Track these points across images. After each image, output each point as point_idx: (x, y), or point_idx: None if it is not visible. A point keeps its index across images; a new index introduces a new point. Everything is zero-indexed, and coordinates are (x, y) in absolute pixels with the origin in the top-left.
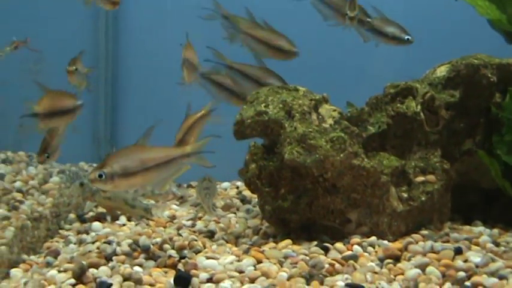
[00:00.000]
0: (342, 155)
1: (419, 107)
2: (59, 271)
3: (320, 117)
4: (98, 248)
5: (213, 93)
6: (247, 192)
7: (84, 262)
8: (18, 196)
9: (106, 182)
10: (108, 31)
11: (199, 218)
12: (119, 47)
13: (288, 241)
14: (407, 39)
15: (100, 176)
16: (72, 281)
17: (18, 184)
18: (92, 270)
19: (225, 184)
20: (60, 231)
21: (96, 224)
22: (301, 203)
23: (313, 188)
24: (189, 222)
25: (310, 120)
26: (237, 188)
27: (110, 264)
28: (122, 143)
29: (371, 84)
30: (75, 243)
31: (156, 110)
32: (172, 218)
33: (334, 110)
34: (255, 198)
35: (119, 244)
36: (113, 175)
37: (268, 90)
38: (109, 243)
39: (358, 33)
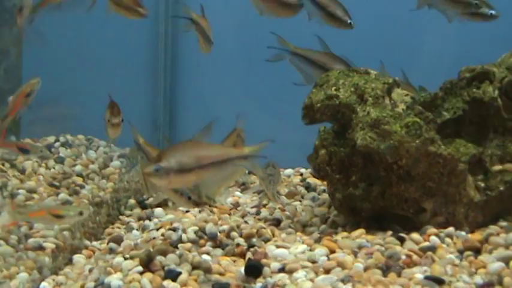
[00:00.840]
0: (417, 141)
1: (496, 92)
2: (125, 258)
3: (393, 102)
4: (162, 234)
5: (305, 71)
6: (311, 180)
7: (151, 249)
8: (79, 180)
9: (162, 177)
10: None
11: (264, 206)
12: (178, 29)
13: (361, 230)
14: (491, 14)
15: (156, 170)
16: (140, 268)
17: (78, 168)
18: (159, 258)
19: (288, 171)
20: (121, 217)
21: (159, 210)
22: (373, 191)
23: (386, 175)
24: (254, 210)
25: (384, 105)
26: (301, 175)
27: (177, 252)
28: (180, 130)
29: (428, 67)
30: (137, 230)
31: (216, 98)
32: (236, 205)
33: (407, 95)
34: (320, 185)
35: (184, 231)
36: (169, 170)
37: (339, 74)
38: (174, 230)
39: (441, 13)
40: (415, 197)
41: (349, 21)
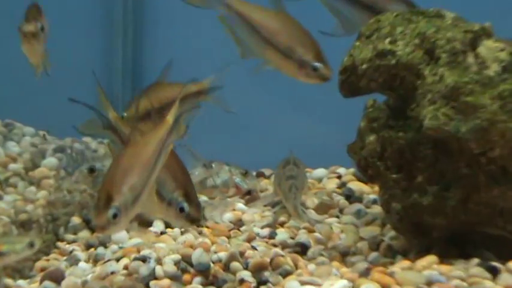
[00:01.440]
0: None
1: None
2: None
3: (480, 60)
4: (126, 267)
5: (343, 13)
6: (355, 184)
7: None
8: None
9: (120, 221)
10: None
11: (281, 225)
12: None
13: (432, 258)
14: None
15: (115, 216)
16: None
17: None
18: None
19: (319, 172)
20: (59, 243)
21: (118, 233)
22: (450, 199)
23: (470, 173)
24: (266, 231)
25: (465, 65)
26: (339, 177)
27: None
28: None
29: None
30: (86, 262)
31: (194, 58)
32: (238, 223)
33: (502, 50)
34: (368, 193)
35: (159, 262)
36: (126, 207)
37: (396, 17)
38: (144, 260)
39: None
40: None
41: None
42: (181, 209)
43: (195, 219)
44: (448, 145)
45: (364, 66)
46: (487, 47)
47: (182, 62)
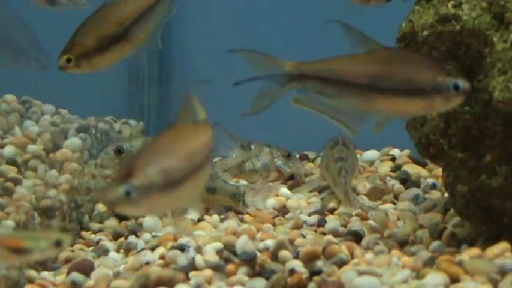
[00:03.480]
0: None
1: None
2: None
3: None
4: (162, 257)
5: None
6: (411, 168)
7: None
8: (11, 172)
9: (137, 202)
10: None
11: (331, 212)
12: None
13: (505, 245)
14: None
15: (127, 193)
16: None
17: (8, 150)
18: None
19: (370, 153)
20: (84, 233)
21: (151, 221)
22: None
23: None
24: (314, 218)
25: None
26: (393, 159)
27: (191, 283)
28: (176, 86)
29: None
30: (116, 252)
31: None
32: (282, 211)
33: None
34: (426, 177)
35: (199, 250)
36: (148, 189)
37: None
38: (182, 249)
39: None
40: None
41: None
42: None
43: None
44: None
45: (425, 32)
46: None
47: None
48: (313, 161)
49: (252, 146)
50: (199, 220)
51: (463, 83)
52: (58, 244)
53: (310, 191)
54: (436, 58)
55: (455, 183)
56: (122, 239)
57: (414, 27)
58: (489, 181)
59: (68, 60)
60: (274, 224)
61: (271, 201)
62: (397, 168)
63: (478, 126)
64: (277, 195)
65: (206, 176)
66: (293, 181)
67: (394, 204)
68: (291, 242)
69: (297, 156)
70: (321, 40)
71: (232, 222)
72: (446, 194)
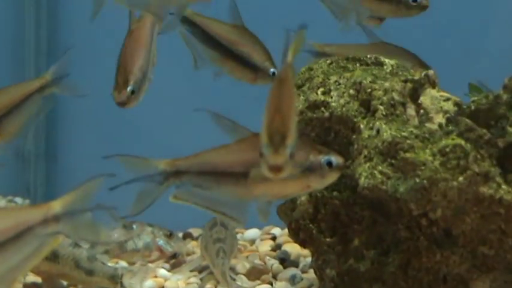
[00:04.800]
0: (461, 179)
1: None
2: None
3: (422, 111)
4: None
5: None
6: (290, 247)
7: None
8: None
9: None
10: None
11: None
12: None
13: None
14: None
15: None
16: None
17: None
18: None
19: (251, 232)
20: None
21: None
22: (389, 264)
23: (410, 236)
24: None
25: (405, 118)
26: (273, 239)
27: None
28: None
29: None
30: None
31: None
32: None
33: (447, 100)
34: (305, 256)
35: None
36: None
37: (330, 65)
38: None
39: None
40: (459, 273)
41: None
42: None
43: None
44: (386, 206)
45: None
46: (430, 96)
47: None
48: (196, 239)
49: (134, 226)
50: None
51: (336, 159)
52: None
53: (191, 271)
54: (306, 138)
55: (324, 268)
56: None
57: None
58: (357, 265)
59: None
60: None
61: (149, 283)
62: (277, 247)
63: (346, 212)
64: (156, 276)
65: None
66: (175, 260)
67: (272, 284)
68: None
69: (180, 235)
70: None
71: None
72: None
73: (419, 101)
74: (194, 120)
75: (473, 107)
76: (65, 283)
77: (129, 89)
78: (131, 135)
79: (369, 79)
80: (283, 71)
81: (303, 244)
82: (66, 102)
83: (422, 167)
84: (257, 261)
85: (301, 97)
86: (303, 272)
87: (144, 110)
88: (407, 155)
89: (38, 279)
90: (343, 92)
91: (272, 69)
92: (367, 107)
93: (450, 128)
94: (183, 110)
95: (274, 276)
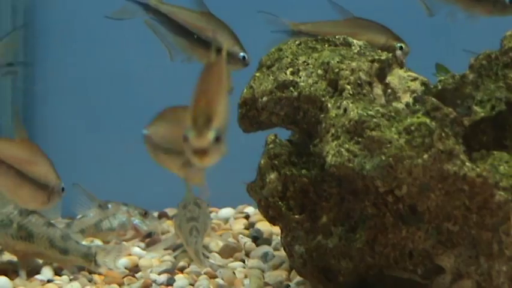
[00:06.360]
0: (425, 156)
1: None
2: None
3: (389, 91)
4: None
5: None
6: (263, 225)
7: None
8: None
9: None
10: None
11: (181, 271)
12: None
13: None
14: None
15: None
16: None
17: None
18: None
19: (225, 211)
20: None
21: (2, 281)
22: (356, 241)
23: (377, 213)
24: (163, 277)
25: (371, 97)
26: (247, 218)
27: None
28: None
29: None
30: None
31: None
32: (134, 269)
33: (414, 79)
34: (277, 234)
35: None
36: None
37: (298, 46)
38: None
39: None
40: (425, 249)
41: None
42: None
43: None
44: (353, 183)
45: (265, 98)
46: (398, 76)
47: None
48: (172, 218)
49: (109, 205)
50: (49, 281)
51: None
52: None
53: (165, 249)
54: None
55: (292, 244)
56: None
57: (254, 93)
58: (325, 241)
59: None
60: (121, 284)
61: (123, 261)
62: (250, 225)
63: (315, 189)
64: (130, 255)
65: None
66: (150, 239)
67: (244, 262)
68: None
69: (155, 214)
70: None
71: (77, 285)
72: None
73: (386, 81)
74: None
75: (440, 87)
76: (40, 261)
77: (212, 134)
78: None
79: (337, 59)
80: (214, 58)
81: (272, 221)
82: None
83: (388, 145)
84: (230, 240)
85: (271, 77)
86: (275, 249)
87: None
88: (374, 133)
89: (14, 258)
90: (312, 72)
91: (242, 54)
92: (335, 87)
93: (417, 107)
94: None
95: (247, 254)
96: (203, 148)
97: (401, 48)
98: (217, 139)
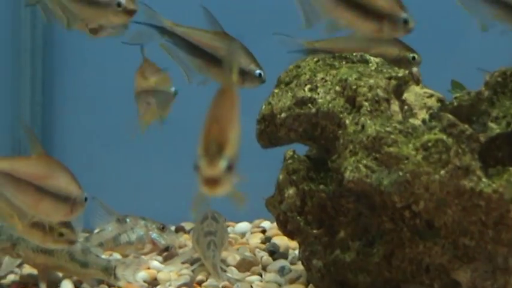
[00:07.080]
0: (442, 172)
1: None
2: None
3: (406, 108)
4: None
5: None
6: (280, 239)
7: None
8: None
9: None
10: None
11: (199, 284)
12: None
13: None
14: None
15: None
16: None
17: None
18: None
19: (242, 226)
20: None
21: None
22: (373, 255)
23: (394, 228)
24: None
25: (389, 114)
26: (263, 232)
27: None
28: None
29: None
30: None
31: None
32: (153, 282)
33: (431, 96)
34: (294, 248)
35: None
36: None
37: (317, 63)
38: None
39: None
40: (442, 263)
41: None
42: None
43: None
44: (370, 198)
45: (283, 115)
46: (414, 93)
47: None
48: (189, 232)
49: (128, 219)
50: None
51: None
52: None
53: (183, 263)
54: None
55: (311, 258)
56: None
57: (273, 110)
58: (342, 256)
59: None
60: None
61: (142, 274)
62: (266, 240)
63: (332, 204)
64: (149, 268)
65: None
66: (167, 253)
67: (261, 275)
68: None
69: (173, 228)
70: None
71: None
72: None
73: (403, 98)
74: None
75: (455, 103)
76: (60, 275)
77: (224, 163)
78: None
79: (354, 76)
80: (226, 83)
81: (290, 236)
82: (65, 99)
83: (406, 161)
84: (247, 254)
85: (289, 93)
86: (292, 263)
87: None
88: (391, 149)
89: (34, 271)
90: (330, 89)
91: (258, 71)
92: (353, 103)
93: (433, 123)
94: None
95: (264, 268)
96: (214, 177)
97: (413, 58)
98: (229, 168)
